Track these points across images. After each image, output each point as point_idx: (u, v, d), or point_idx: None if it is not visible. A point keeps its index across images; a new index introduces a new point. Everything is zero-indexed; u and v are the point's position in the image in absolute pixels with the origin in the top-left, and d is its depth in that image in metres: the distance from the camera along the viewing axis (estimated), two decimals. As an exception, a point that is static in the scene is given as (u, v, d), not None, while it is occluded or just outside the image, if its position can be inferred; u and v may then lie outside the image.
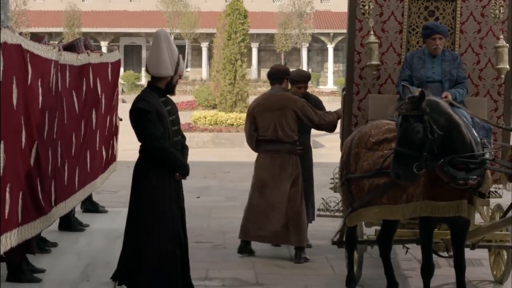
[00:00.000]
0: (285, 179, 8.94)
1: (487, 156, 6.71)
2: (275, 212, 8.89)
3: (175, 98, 7.22)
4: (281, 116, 8.94)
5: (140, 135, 6.75)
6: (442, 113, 6.51)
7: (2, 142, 5.83)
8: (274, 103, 8.99)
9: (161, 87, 6.85)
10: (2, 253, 5.96)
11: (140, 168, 6.80)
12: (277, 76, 9.12)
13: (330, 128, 9.10)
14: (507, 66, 8.30)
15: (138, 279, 6.75)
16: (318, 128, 9.15)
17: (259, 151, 9.12)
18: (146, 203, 6.73)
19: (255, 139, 9.11)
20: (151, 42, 7.07)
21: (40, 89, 6.75)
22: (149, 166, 6.74)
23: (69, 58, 7.84)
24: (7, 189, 5.96)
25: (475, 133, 6.87)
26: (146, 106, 6.68)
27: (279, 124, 8.93)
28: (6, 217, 5.95)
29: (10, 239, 6.08)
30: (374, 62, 8.30)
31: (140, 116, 6.67)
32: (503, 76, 8.38)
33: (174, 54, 6.83)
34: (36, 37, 7.50)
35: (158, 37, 6.83)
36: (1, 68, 5.77)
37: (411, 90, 6.65)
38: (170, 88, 6.90)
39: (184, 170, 6.86)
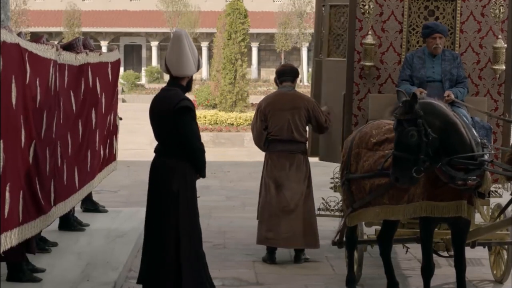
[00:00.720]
0: (301, 180, 8.83)
1: (486, 157, 6.69)
2: (289, 215, 8.74)
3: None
4: (294, 115, 8.82)
5: (187, 134, 6.63)
6: (437, 114, 6.50)
7: (1, 141, 5.83)
8: (287, 102, 8.87)
9: (183, 85, 6.82)
10: (2, 252, 5.96)
11: (177, 168, 6.66)
12: (290, 74, 9.03)
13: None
14: (503, 67, 8.33)
15: (179, 280, 6.63)
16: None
17: (271, 150, 8.93)
18: (184, 203, 6.66)
19: (264, 138, 8.97)
20: (169, 43, 6.88)
21: (38, 88, 6.73)
22: (184, 165, 6.66)
23: (68, 58, 7.82)
24: (7, 188, 5.95)
25: (475, 133, 6.86)
26: (191, 105, 6.68)
27: (294, 124, 8.82)
28: (6, 217, 5.94)
29: (10, 239, 6.07)
30: (367, 63, 8.32)
31: (188, 115, 6.62)
32: (498, 75, 8.40)
33: (195, 52, 6.81)
34: (35, 37, 7.49)
35: (179, 36, 6.74)
36: (1, 68, 5.76)
37: (406, 93, 6.64)
38: (190, 85, 6.86)
39: (204, 173, 6.84)
